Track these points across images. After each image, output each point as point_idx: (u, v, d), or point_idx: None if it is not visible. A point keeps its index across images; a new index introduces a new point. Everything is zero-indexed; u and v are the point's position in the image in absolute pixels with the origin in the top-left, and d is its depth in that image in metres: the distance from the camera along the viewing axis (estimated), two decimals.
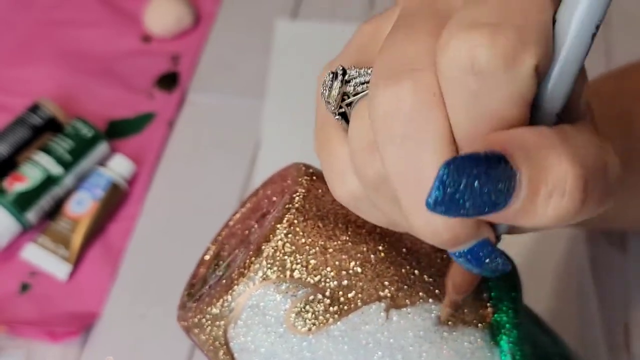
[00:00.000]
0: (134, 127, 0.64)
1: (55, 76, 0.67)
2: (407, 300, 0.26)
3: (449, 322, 0.26)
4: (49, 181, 0.56)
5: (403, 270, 0.26)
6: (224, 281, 0.27)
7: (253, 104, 0.66)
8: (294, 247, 0.26)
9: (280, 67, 0.69)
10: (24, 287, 0.55)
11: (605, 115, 0.37)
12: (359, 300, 0.25)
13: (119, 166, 0.59)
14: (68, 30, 0.71)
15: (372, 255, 0.26)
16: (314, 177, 0.28)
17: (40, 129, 0.59)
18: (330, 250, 0.26)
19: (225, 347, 0.26)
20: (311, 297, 0.25)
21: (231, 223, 0.32)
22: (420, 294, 0.26)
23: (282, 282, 0.25)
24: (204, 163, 0.63)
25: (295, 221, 0.26)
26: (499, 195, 0.19)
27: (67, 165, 0.57)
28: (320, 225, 0.26)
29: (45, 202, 0.57)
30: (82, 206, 0.57)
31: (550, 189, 0.19)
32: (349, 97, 0.23)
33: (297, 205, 0.26)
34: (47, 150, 0.58)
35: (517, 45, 0.19)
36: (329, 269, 0.26)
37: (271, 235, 0.26)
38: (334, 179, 0.24)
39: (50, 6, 0.74)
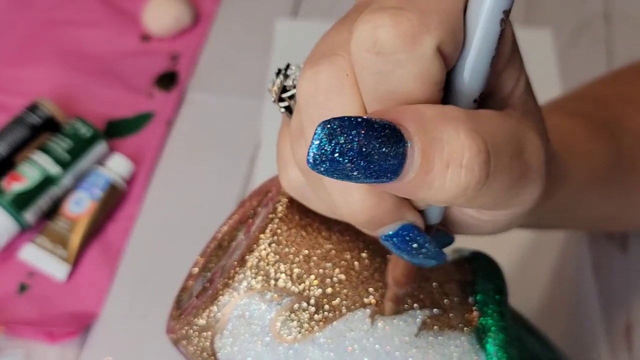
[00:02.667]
0: (133, 127, 0.64)
1: (54, 76, 0.67)
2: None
3: (435, 327, 0.26)
4: (47, 181, 0.56)
5: (383, 282, 0.26)
6: (210, 292, 0.27)
7: (253, 103, 0.66)
8: (277, 257, 0.26)
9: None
10: (23, 288, 0.55)
11: (597, 117, 0.37)
12: (343, 308, 0.26)
13: (118, 166, 0.59)
14: (67, 30, 0.71)
15: (355, 263, 0.26)
16: (290, 195, 0.28)
17: (39, 129, 0.59)
18: (314, 258, 0.26)
19: (212, 357, 0.26)
20: (296, 306, 0.25)
21: (219, 235, 0.32)
22: (406, 299, 0.26)
23: (267, 292, 0.25)
24: (203, 163, 0.62)
25: (279, 230, 0.26)
26: (386, 161, 0.19)
27: (65, 165, 0.57)
28: (304, 234, 0.26)
29: (43, 202, 0.56)
30: (80, 206, 0.57)
31: (446, 161, 0.19)
32: (288, 91, 0.24)
33: (280, 214, 0.26)
34: (45, 150, 0.57)
35: (417, 26, 0.19)
36: (312, 277, 0.26)
37: (255, 245, 0.26)
38: (280, 170, 0.25)
39: (49, 6, 0.74)
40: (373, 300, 0.26)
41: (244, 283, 0.26)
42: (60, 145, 0.58)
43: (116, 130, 0.64)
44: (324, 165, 0.19)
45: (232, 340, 0.26)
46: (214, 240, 0.32)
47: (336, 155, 0.18)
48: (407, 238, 0.22)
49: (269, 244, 0.26)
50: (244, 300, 0.25)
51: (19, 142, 0.58)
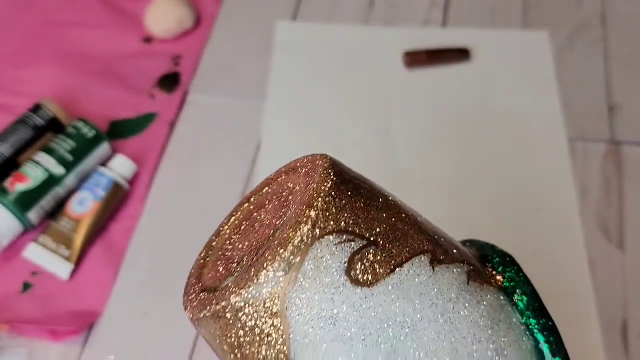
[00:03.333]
0: (136, 128, 0.65)
1: (58, 77, 0.67)
2: (443, 257, 0.28)
3: (477, 280, 0.28)
4: (51, 181, 0.57)
5: (429, 234, 0.28)
6: (276, 242, 0.26)
7: (253, 104, 0.67)
8: (343, 202, 0.27)
9: (280, 67, 0.69)
10: (26, 287, 0.55)
11: None
12: (407, 253, 0.27)
13: (121, 166, 0.59)
14: (70, 31, 0.72)
15: (405, 217, 0.28)
16: (331, 157, 0.29)
17: (42, 130, 0.60)
18: (373, 209, 0.27)
19: (280, 314, 0.25)
20: (367, 250, 0.26)
21: (226, 225, 0.32)
22: (450, 253, 0.28)
23: (340, 234, 0.26)
24: (205, 163, 0.63)
25: (338, 181, 0.27)
26: None
27: (68, 166, 0.58)
28: (357, 187, 0.28)
29: (47, 202, 0.57)
30: (83, 206, 0.57)
31: None
32: None
33: (332, 170, 0.28)
34: (48, 151, 0.58)
35: None
36: (376, 223, 0.27)
37: (320, 193, 0.26)
38: None
39: (52, 8, 0.74)
40: (429, 248, 0.28)
41: (317, 227, 0.26)
42: (64, 146, 0.58)
43: (119, 131, 0.64)
44: None
45: (308, 287, 0.25)
46: (224, 225, 0.32)
47: None
48: None
49: (333, 193, 0.26)
50: (316, 243, 0.25)
51: (22, 143, 0.59)
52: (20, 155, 0.59)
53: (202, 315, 0.27)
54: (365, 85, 0.68)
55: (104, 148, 0.60)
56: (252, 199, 0.33)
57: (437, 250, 0.28)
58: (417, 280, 0.27)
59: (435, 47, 0.69)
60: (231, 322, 0.26)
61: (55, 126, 0.60)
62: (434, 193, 0.60)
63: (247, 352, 0.26)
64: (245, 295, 0.25)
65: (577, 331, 0.52)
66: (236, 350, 0.27)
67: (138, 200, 0.60)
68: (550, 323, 0.29)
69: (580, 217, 0.58)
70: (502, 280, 0.30)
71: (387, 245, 0.27)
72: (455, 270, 0.28)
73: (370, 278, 0.26)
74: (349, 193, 0.27)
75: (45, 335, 0.52)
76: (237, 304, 0.26)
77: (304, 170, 0.30)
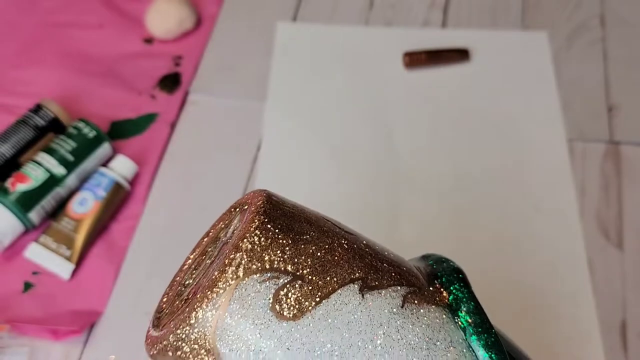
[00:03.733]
0: (136, 128, 0.65)
1: (58, 77, 0.68)
2: (376, 283, 0.29)
3: (415, 301, 0.29)
4: (52, 181, 0.57)
5: (367, 259, 0.29)
6: (205, 283, 0.28)
7: (254, 104, 0.67)
8: (269, 241, 0.28)
9: (281, 68, 0.69)
10: (27, 286, 0.55)
11: None
12: (335, 283, 0.28)
13: (121, 166, 0.60)
14: (71, 32, 0.72)
15: (337, 247, 0.29)
16: (269, 192, 0.30)
17: (43, 130, 0.60)
18: (301, 243, 0.28)
19: (213, 350, 0.27)
20: (292, 285, 0.27)
21: (190, 257, 0.34)
22: (386, 277, 0.29)
23: (263, 273, 0.27)
24: (205, 163, 0.63)
25: (266, 219, 0.28)
26: None
27: (69, 166, 0.58)
28: (288, 223, 0.29)
29: (47, 202, 0.57)
30: (84, 206, 0.57)
31: None
32: None
33: (262, 208, 0.29)
34: (49, 151, 0.58)
35: None
36: (303, 257, 0.28)
37: (246, 234, 0.28)
38: None
39: (53, 9, 0.74)
40: (359, 276, 0.28)
41: (241, 267, 0.27)
42: (64, 146, 0.58)
43: (120, 132, 0.64)
44: None
45: (234, 325, 0.27)
46: (187, 260, 0.34)
47: None
48: None
49: (260, 231, 0.28)
50: (241, 283, 0.27)
51: (23, 143, 0.59)
52: (21, 155, 0.59)
53: (152, 353, 0.29)
54: (365, 86, 0.68)
55: (104, 148, 0.60)
56: (211, 233, 0.34)
57: (370, 276, 0.28)
58: (344, 309, 0.27)
59: (435, 48, 0.69)
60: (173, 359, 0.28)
61: (56, 126, 0.60)
62: (433, 193, 0.60)
63: None
64: (180, 335, 0.27)
65: (576, 331, 0.52)
66: None
67: (139, 200, 0.60)
68: (492, 339, 0.29)
69: (579, 217, 0.58)
70: (447, 297, 0.30)
71: (314, 278, 0.27)
72: (388, 295, 0.28)
73: (295, 312, 0.27)
74: (276, 230, 0.28)
75: (46, 335, 0.52)
76: (175, 343, 0.27)
77: (245, 207, 0.31)
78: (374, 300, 0.28)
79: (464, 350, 0.29)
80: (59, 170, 0.57)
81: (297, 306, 0.27)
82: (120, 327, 0.53)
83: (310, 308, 0.27)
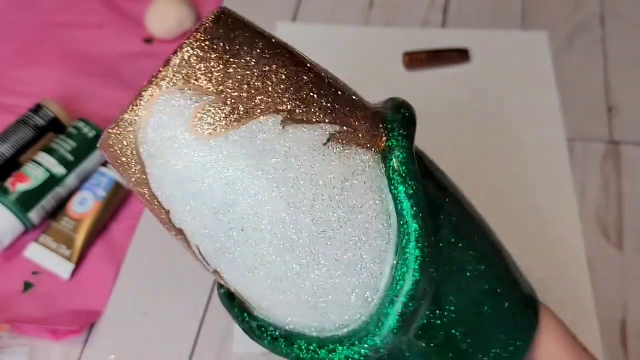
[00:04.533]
0: None
1: (58, 78, 0.68)
2: (304, 118, 0.29)
3: (343, 141, 0.29)
4: (52, 181, 0.57)
5: (303, 94, 0.29)
6: (139, 94, 0.29)
7: None
8: (199, 59, 0.28)
9: None
10: (27, 286, 0.55)
11: None
12: (258, 111, 0.28)
13: None
14: (71, 32, 0.72)
15: (273, 76, 0.29)
16: (227, 12, 0.30)
17: (43, 130, 0.60)
18: (234, 66, 0.28)
19: (136, 155, 0.29)
20: (213, 105, 0.28)
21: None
22: (318, 114, 0.29)
23: (187, 89, 0.28)
24: None
25: (203, 38, 0.28)
26: None
27: (69, 166, 0.58)
28: (227, 45, 0.29)
29: (47, 202, 0.57)
30: (84, 206, 0.57)
31: None
32: None
33: (206, 25, 0.29)
34: (49, 151, 0.58)
35: None
36: (231, 81, 0.28)
37: (179, 49, 0.28)
38: None
39: (53, 8, 0.74)
40: (287, 108, 0.28)
41: (166, 80, 0.28)
42: (64, 146, 0.58)
43: None
44: None
45: (154, 136, 0.28)
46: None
47: None
48: None
49: (193, 48, 0.28)
50: (164, 96, 0.28)
51: (23, 143, 0.59)
52: (21, 155, 0.59)
53: (98, 145, 0.31)
54: (364, 86, 0.68)
55: None
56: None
57: (299, 110, 0.28)
58: (260, 137, 0.28)
59: (435, 48, 0.69)
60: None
61: (56, 126, 0.60)
62: None
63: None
64: (111, 133, 0.29)
65: (576, 331, 0.52)
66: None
67: (139, 200, 0.60)
68: (412, 190, 0.29)
69: (579, 217, 0.58)
70: (385, 143, 0.30)
71: (237, 103, 0.28)
72: (313, 131, 0.28)
73: (211, 131, 0.27)
74: (211, 50, 0.28)
75: (46, 335, 0.52)
76: (107, 141, 0.29)
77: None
78: (295, 133, 0.28)
79: (383, 197, 0.29)
80: (59, 170, 0.57)
81: (213, 126, 0.27)
82: (120, 327, 0.53)
83: (224, 131, 0.27)
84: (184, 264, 0.56)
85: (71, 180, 0.58)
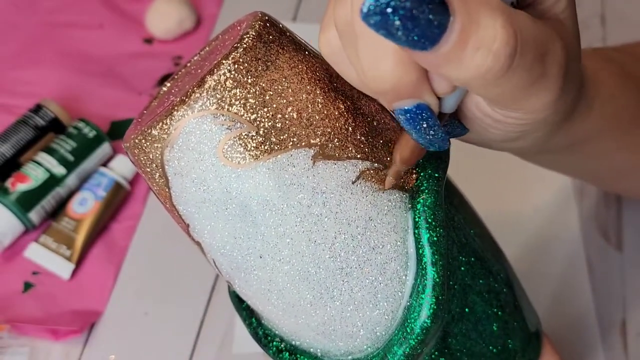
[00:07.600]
0: None
1: (58, 78, 0.68)
2: (336, 153, 0.28)
3: (373, 179, 0.28)
4: (52, 181, 0.57)
5: (337, 125, 0.28)
6: (167, 107, 0.28)
7: None
8: (235, 84, 0.27)
9: None
10: (27, 286, 0.55)
11: (631, 69, 0.38)
12: (289, 144, 0.27)
13: (121, 166, 0.60)
14: (71, 32, 0.72)
15: (309, 105, 0.27)
16: (269, 24, 0.28)
17: (43, 130, 0.60)
18: (270, 92, 0.27)
19: (161, 169, 0.28)
20: (245, 133, 0.27)
21: (189, 64, 0.33)
22: (350, 149, 0.28)
23: (220, 115, 0.26)
24: None
25: (241, 59, 0.27)
26: (429, 28, 0.20)
27: (69, 166, 0.58)
28: (265, 68, 0.27)
29: (47, 202, 0.57)
30: (84, 206, 0.57)
31: (479, 43, 0.21)
32: None
33: (245, 45, 0.27)
34: (49, 151, 0.58)
35: None
36: (266, 109, 0.27)
37: (215, 69, 0.27)
38: (320, 31, 0.26)
39: (53, 8, 0.74)
40: (319, 142, 0.27)
41: (199, 102, 0.26)
42: (65, 146, 0.59)
43: (120, 131, 0.64)
44: (375, 18, 0.20)
45: (180, 155, 0.27)
46: (183, 67, 0.33)
47: (389, 10, 0.20)
48: (419, 117, 0.24)
49: (229, 70, 0.27)
50: (196, 119, 0.26)
51: (23, 143, 0.59)
52: (21, 155, 0.59)
53: (124, 145, 0.29)
54: None
55: (104, 148, 0.60)
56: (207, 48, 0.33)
57: (331, 144, 0.27)
58: (289, 170, 0.27)
59: None
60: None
61: (56, 126, 0.60)
62: None
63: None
64: (137, 142, 0.28)
65: (575, 331, 0.52)
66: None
67: (139, 200, 0.60)
68: (435, 237, 0.28)
69: (579, 218, 0.58)
70: (414, 180, 0.29)
71: (269, 133, 0.27)
72: (343, 168, 0.27)
73: (240, 160, 0.27)
74: (248, 73, 0.27)
75: (46, 335, 0.52)
76: (133, 149, 0.28)
77: (236, 33, 0.30)
78: (325, 169, 0.27)
79: (405, 238, 0.29)
80: (59, 170, 0.57)
81: (242, 155, 0.27)
82: (120, 327, 0.53)
83: (254, 160, 0.27)
84: (184, 264, 0.56)
85: (71, 180, 0.58)
